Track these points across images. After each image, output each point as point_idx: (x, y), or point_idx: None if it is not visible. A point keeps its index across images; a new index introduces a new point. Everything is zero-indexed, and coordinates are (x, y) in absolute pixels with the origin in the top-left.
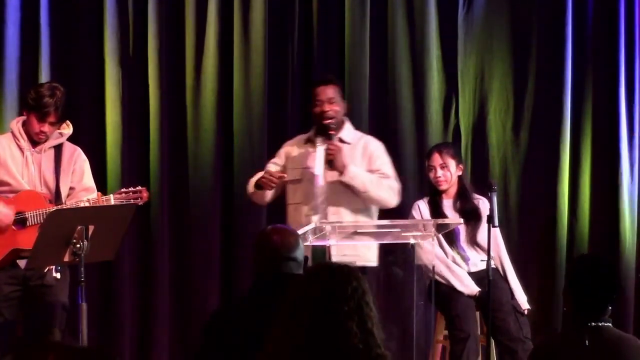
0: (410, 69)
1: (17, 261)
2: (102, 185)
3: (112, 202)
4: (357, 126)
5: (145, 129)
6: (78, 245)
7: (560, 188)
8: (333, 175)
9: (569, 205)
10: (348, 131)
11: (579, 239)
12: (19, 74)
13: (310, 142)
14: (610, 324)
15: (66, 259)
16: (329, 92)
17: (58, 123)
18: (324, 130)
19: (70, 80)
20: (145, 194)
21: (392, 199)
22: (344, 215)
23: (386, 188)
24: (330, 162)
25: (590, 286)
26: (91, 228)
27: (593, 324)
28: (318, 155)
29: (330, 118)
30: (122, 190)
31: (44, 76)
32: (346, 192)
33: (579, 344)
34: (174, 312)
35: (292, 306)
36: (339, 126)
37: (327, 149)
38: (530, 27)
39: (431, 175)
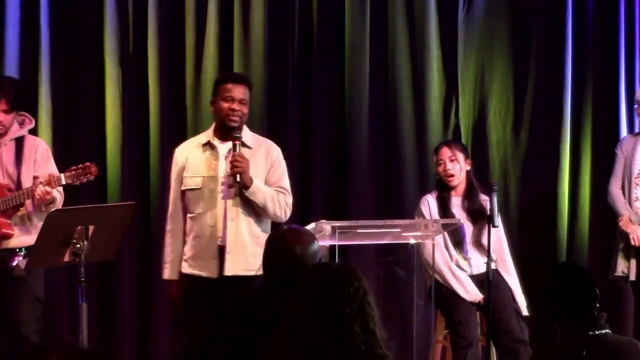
0: (410, 69)
1: (18, 261)
2: (102, 186)
3: (63, 180)
4: (357, 126)
5: (145, 129)
6: (78, 245)
7: (560, 188)
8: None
9: (569, 205)
10: (247, 134)
11: (579, 239)
12: (19, 73)
13: (210, 146)
14: (608, 330)
15: (66, 259)
16: (243, 91)
17: (11, 111)
18: (225, 131)
19: (70, 81)
20: (93, 169)
21: (284, 215)
22: (242, 226)
23: (282, 205)
24: (236, 175)
25: (574, 296)
26: (91, 228)
27: (591, 333)
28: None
29: (237, 118)
30: (72, 167)
31: (44, 76)
32: (245, 202)
33: (579, 354)
34: (174, 312)
35: (294, 307)
36: (241, 130)
37: (233, 161)
38: (530, 27)
39: (440, 169)
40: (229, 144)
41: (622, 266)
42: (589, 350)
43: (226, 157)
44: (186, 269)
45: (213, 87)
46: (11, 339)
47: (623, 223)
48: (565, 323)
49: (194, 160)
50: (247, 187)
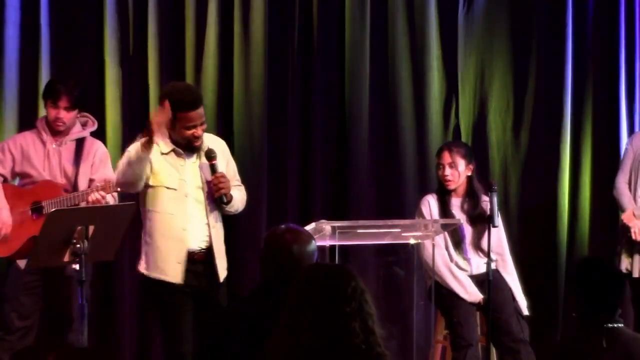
0: (410, 69)
1: (17, 262)
2: None
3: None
4: (358, 126)
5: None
6: (78, 245)
7: (560, 188)
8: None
9: (569, 205)
10: (205, 138)
11: (579, 239)
12: (19, 74)
13: (175, 153)
14: (622, 325)
15: (66, 259)
16: (202, 112)
17: (72, 109)
18: (192, 150)
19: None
20: None
21: (242, 209)
22: (219, 231)
23: (245, 201)
24: (222, 196)
25: (604, 289)
26: (91, 228)
27: (609, 325)
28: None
29: (200, 142)
30: None
31: (44, 76)
32: (218, 207)
33: (597, 346)
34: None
35: (293, 308)
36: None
37: (217, 183)
38: (530, 27)
39: (439, 173)
40: (194, 155)
41: (626, 263)
42: (608, 342)
43: (200, 167)
44: (151, 272)
45: (168, 104)
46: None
47: (626, 217)
48: (585, 314)
49: (162, 165)
50: (228, 203)
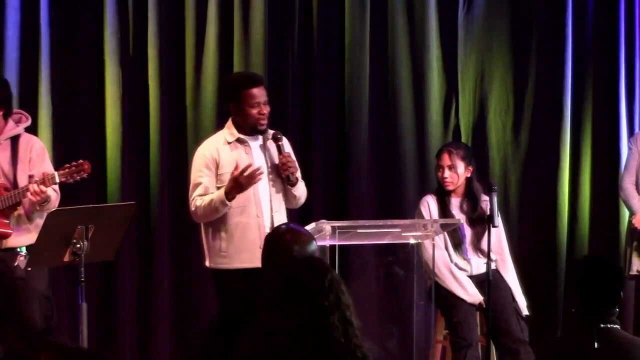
0: (410, 69)
1: (18, 262)
2: (102, 186)
3: (57, 179)
4: (358, 126)
5: (145, 129)
6: (78, 245)
7: (560, 188)
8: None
9: (569, 205)
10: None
11: (579, 239)
12: (19, 74)
13: (239, 141)
14: (618, 326)
15: (66, 259)
16: (265, 92)
17: None
18: (253, 131)
19: (70, 81)
20: (87, 166)
21: (301, 203)
22: (282, 214)
23: (306, 194)
24: (289, 175)
25: (600, 287)
26: (91, 228)
27: (602, 325)
28: (272, 154)
29: (266, 121)
30: (66, 165)
31: (44, 76)
32: (282, 194)
33: (588, 345)
34: (174, 312)
35: (268, 307)
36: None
37: (285, 162)
38: (530, 27)
39: (439, 174)
40: (258, 140)
41: (637, 265)
42: (600, 342)
43: (265, 152)
44: (230, 264)
45: (231, 91)
46: (23, 338)
47: (637, 221)
48: (581, 311)
49: (226, 157)
50: (294, 184)
